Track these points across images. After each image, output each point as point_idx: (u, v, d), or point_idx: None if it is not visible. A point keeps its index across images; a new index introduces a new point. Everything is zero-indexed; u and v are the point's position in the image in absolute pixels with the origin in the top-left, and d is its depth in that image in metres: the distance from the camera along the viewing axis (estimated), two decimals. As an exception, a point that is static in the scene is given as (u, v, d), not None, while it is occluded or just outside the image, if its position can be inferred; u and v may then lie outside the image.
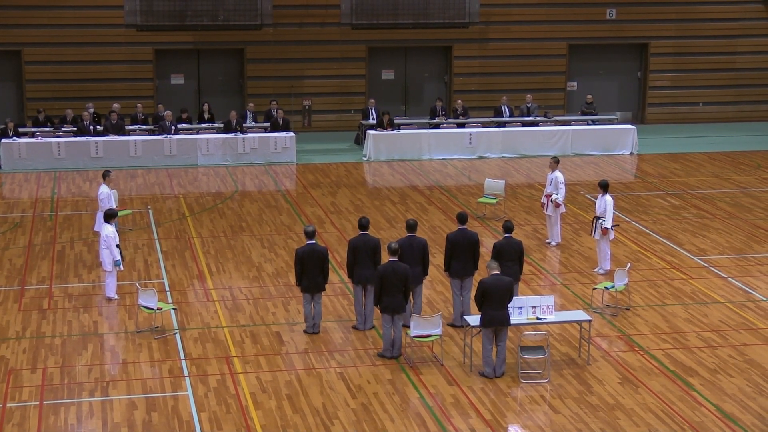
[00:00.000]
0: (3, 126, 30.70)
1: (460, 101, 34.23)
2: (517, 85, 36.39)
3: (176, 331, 17.86)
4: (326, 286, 17.89)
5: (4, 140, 30.30)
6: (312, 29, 35.68)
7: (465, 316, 16.99)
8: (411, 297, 17.60)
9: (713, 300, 19.59)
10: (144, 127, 31.82)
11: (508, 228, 18.05)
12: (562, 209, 22.87)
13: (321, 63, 35.93)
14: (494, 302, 15.79)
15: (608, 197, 20.82)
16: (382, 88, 36.79)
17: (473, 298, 16.67)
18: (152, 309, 17.73)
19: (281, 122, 31.88)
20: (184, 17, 34.30)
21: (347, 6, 35.06)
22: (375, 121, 33.01)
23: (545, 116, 34.11)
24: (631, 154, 33.05)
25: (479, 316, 16.10)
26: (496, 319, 15.85)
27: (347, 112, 36.25)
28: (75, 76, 34.58)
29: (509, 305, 16.04)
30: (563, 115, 35.71)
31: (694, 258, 22.13)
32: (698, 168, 31.09)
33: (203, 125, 32.09)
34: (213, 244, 22.95)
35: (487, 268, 16.30)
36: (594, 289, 19.52)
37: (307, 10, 35.53)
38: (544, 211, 23.15)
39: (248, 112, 33.12)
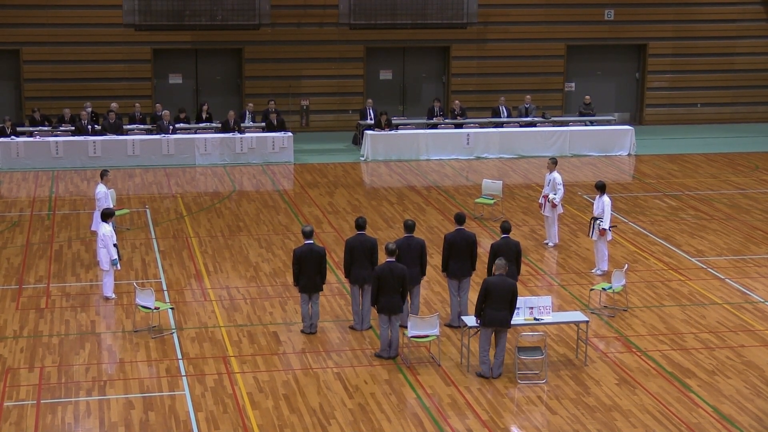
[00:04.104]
0: (1, 125, 30.68)
1: (457, 102, 34.22)
2: (515, 86, 36.40)
3: (173, 330, 17.86)
4: (324, 286, 17.88)
5: (2, 139, 30.30)
6: (310, 29, 35.68)
7: (462, 317, 17.01)
8: (408, 297, 17.61)
9: (711, 301, 19.60)
10: (142, 126, 31.80)
11: (505, 228, 18.06)
12: (560, 210, 22.88)
13: (319, 63, 35.94)
14: (495, 302, 15.78)
15: (606, 198, 20.83)
16: (379, 88, 36.80)
17: (471, 298, 16.66)
18: (149, 308, 17.73)
19: (275, 123, 31.84)
20: (183, 17, 34.28)
21: (345, 6, 35.05)
22: (373, 122, 33.01)
23: (543, 117, 34.12)
24: (629, 155, 33.07)
25: (475, 317, 16.12)
26: (496, 319, 15.84)
27: (345, 112, 36.26)
28: (73, 75, 34.57)
29: (514, 311, 16.04)
30: (561, 116, 35.71)
31: (692, 259, 22.14)
32: (696, 169, 31.11)
33: (201, 125, 32.09)
34: (210, 244, 22.95)
35: (494, 266, 16.25)
36: (591, 290, 19.52)
37: (305, 10, 35.53)
38: (542, 212, 23.17)
39: (247, 112, 33.13)
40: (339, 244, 22.14)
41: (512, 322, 16.16)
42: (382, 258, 17.01)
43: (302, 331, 17.82)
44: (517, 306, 16.29)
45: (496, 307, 15.80)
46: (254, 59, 35.67)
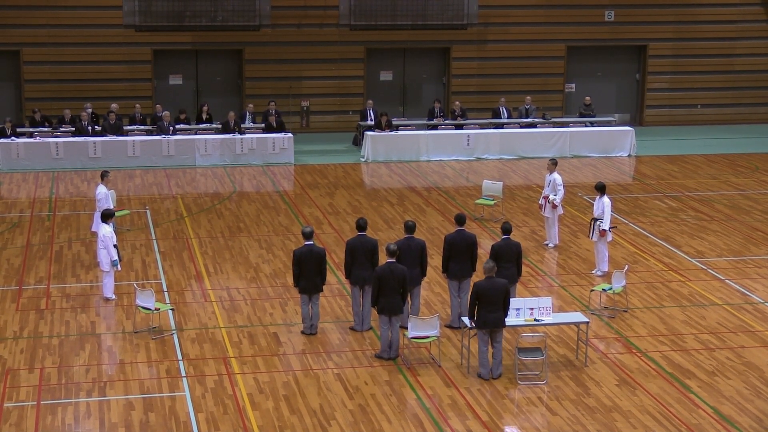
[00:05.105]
0: (1, 126, 30.68)
1: (458, 102, 34.22)
2: (516, 87, 36.40)
3: (174, 331, 17.86)
4: (324, 287, 17.88)
5: (2, 140, 30.30)
6: (310, 30, 35.68)
7: (462, 318, 17.00)
8: (409, 298, 17.61)
9: (711, 302, 19.60)
10: (142, 127, 31.81)
11: (506, 230, 18.05)
12: (560, 211, 22.88)
13: (319, 64, 35.94)
14: (488, 305, 15.78)
15: (606, 199, 20.83)
16: (380, 89, 36.79)
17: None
18: (150, 309, 17.73)
19: (275, 124, 31.82)
20: (183, 18, 34.27)
21: (345, 7, 35.04)
22: (373, 122, 33.01)
23: (543, 118, 34.12)
24: (629, 155, 33.07)
25: (468, 319, 16.13)
26: (489, 321, 15.85)
27: (345, 113, 36.25)
28: (73, 76, 34.56)
29: (508, 310, 16.03)
30: (561, 117, 35.72)
31: (692, 260, 22.14)
32: (696, 170, 31.11)
33: (201, 126, 32.09)
34: (211, 245, 22.95)
35: (483, 268, 16.25)
36: (592, 290, 19.52)
37: (305, 11, 35.53)
38: (542, 213, 23.17)
39: (248, 113, 33.14)
40: (339, 245, 22.14)
41: (513, 324, 16.18)
42: (383, 259, 17.01)
43: (302, 332, 17.82)
44: (518, 307, 16.30)
45: (489, 309, 15.80)
46: (254, 60, 35.67)
